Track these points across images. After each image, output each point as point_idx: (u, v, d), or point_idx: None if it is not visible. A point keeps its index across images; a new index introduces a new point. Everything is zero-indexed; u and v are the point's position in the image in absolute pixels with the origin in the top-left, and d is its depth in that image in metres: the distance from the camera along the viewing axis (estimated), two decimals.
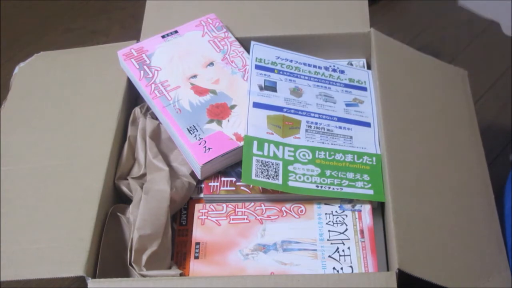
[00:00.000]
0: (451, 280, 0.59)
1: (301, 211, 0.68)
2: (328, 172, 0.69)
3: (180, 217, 0.71)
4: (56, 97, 0.78)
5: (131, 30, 1.20)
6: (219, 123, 0.72)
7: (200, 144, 0.69)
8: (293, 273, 0.63)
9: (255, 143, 0.69)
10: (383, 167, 0.68)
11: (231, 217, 0.68)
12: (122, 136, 0.75)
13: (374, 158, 0.71)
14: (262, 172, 0.67)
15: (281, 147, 0.70)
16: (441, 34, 1.24)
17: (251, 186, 0.70)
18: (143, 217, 0.65)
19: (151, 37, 0.81)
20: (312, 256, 0.65)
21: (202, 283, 0.58)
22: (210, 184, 0.71)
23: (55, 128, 0.74)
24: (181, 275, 0.64)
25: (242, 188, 0.70)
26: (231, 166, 0.72)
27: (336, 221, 0.68)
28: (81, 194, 0.66)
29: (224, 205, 0.70)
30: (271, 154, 0.69)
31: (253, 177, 0.66)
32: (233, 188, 0.70)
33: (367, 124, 0.75)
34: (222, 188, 0.70)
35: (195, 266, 0.65)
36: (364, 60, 0.84)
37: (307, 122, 0.73)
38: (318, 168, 0.69)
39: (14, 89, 0.80)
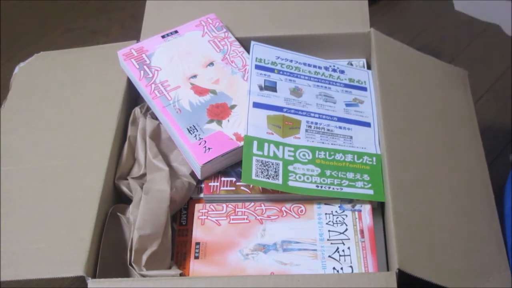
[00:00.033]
0: (451, 280, 0.59)
1: (301, 211, 0.68)
2: (328, 172, 0.69)
3: (180, 217, 0.71)
4: (56, 97, 0.78)
5: (131, 30, 1.20)
6: (219, 123, 0.72)
7: (200, 144, 0.69)
8: (293, 273, 0.63)
9: (255, 143, 0.69)
10: (383, 167, 0.68)
11: (231, 217, 0.68)
12: (122, 136, 0.75)
13: (374, 158, 0.71)
14: (262, 172, 0.67)
15: (281, 147, 0.70)
16: (441, 34, 1.24)
17: (251, 186, 0.70)
18: (143, 217, 0.65)
19: (151, 37, 0.81)
20: (312, 256, 0.65)
21: (202, 283, 0.58)
22: (210, 184, 0.71)
23: (55, 128, 0.74)
24: (181, 275, 0.64)
25: (242, 188, 0.70)
26: (231, 166, 0.72)
27: (336, 221, 0.68)
28: (81, 194, 0.66)
29: (224, 205, 0.70)
30: (271, 154, 0.69)
31: (253, 177, 0.66)
32: (233, 188, 0.70)
33: (367, 124, 0.75)
34: (222, 188, 0.70)
35: (195, 266, 0.65)
36: (364, 60, 0.84)
37: (307, 122, 0.73)
38: (318, 168, 0.69)
39: (14, 89, 0.80)
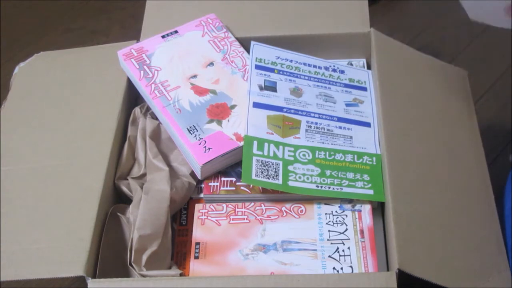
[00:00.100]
0: (451, 280, 0.59)
1: (301, 211, 0.68)
2: (328, 172, 0.69)
3: (180, 217, 0.71)
4: (56, 97, 0.78)
5: (131, 30, 1.20)
6: (219, 123, 0.72)
7: (200, 144, 0.69)
8: (293, 273, 0.63)
9: (255, 143, 0.69)
10: (383, 167, 0.68)
11: (231, 217, 0.68)
12: (122, 136, 0.75)
13: (374, 158, 0.71)
14: (262, 172, 0.67)
15: (281, 147, 0.70)
16: (441, 34, 1.24)
17: (251, 186, 0.70)
18: (143, 217, 0.65)
19: (151, 37, 0.81)
20: (312, 256, 0.65)
21: (202, 283, 0.58)
22: (210, 184, 0.71)
23: (55, 128, 0.74)
24: (181, 275, 0.64)
25: (242, 188, 0.70)
26: (231, 166, 0.72)
27: (336, 221, 0.68)
28: (81, 194, 0.66)
29: (224, 205, 0.70)
30: (271, 154, 0.69)
31: (253, 177, 0.66)
32: (233, 188, 0.70)
33: (367, 124, 0.75)
34: (222, 188, 0.70)
35: (195, 266, 0.65)
36: (364, 60, 0.84)
37: (307, 122, 0.73)
38: (318, 168, 0.69)
39: (14, 89, 0.80)
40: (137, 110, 0.77)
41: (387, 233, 0.65)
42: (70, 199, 0.66)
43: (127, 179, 0.72)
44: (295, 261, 0.64)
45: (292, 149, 0.70)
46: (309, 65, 0.80)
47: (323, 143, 0.72)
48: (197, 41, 0.80)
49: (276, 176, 0.67)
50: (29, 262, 0.61)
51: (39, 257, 0.61)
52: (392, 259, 0.60)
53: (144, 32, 0.84)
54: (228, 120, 0.72)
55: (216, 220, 0.68)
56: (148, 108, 0.78)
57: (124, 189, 0.71)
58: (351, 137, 0.73)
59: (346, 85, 0.79)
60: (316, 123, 0.74)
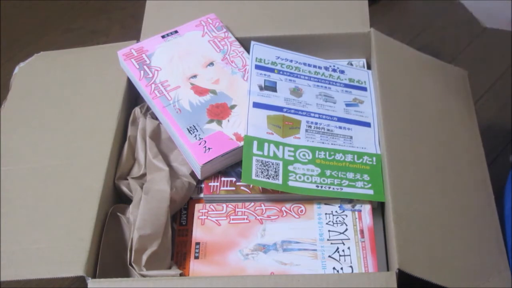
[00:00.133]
0: (451, 280, 0.59)
1: (301, 211, 0.68)
2: (328, 172, 0.69)
3: (180, 217, 0.71)
4: (56, 97, 0.78)
5: (131, 30, 1.20)
6: (219, 123, 0.72)
7: (200, 144, 0.69)
8: (293, 273, 0.63)
9: (255, 143, 0.69)
10: (383, 167, 0.68)
11: (231, 217, 0.68)
12: (122, 136, 0.75)
13: (374, 158, 0.71)
14: (262, 172, 0.67)
15: (281, 147, 0.70)
16: (441, 34, 1.24)
17: (251, 186, 0.70)
18: (143, 217, 0.65)
19: (151, 37, 0.81)
20: (312, 256, 0.65)
21: (202, 283, 0.58)
22: (210, 184, 0.71)
23: (55, 128, 0.74)
24: (181, 275, 0.64)
25: (242, 188, 0.70)
26: (231, 166, 0.72)
27: (336, 221, 0.68)
28: (81, 194, 0.66)
29: (224, 205, 0.70)
30: (271, 154, 0.69)
31: (253, 177, 0.66)
32: (233, 188, 0.70)
33: (367, 124, 0.75)
34: (222, 188, 0.70)
35: (195, 266, 0.65)
36: (364, 60, 0.84)
37: (307, 122, 0.73)
38: (318, 168, 0.69)
39: (14, 89, 0.80)
40: (137, 110, 0.77)
41: (387, 233, 0.65)
42: (70, 199, 0.66)
43: (127, 179, 0.72)
44: (295, 261, 0.64)
45: (292, 149, 0.70)
46: (309, 65, 0.80)
47: (323, 143, 0.72)
48: (197, 41, 0.80)
49: (276, 176, 0.67)
50: (29, 262, 0.61)
51: (39, 257, 0.61)
52: (392, 259, 0.60)
53: (144, 32, 0.84)
54: (228, 120, 0.72)
55: (216, 220, 0.68)
56: (148, 108, 0.78)
57: (124, 189, 0.71)
58: (351, 137, 0.73)
59: (346, 85, 0.79)
60: (316, 123, 0.74)
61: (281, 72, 0.78)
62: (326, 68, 0.80)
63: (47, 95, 0.79)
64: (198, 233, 0.68)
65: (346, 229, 0.67)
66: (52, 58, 0.84)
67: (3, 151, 0.72)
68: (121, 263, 0.64)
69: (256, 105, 0.73)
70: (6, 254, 0.62)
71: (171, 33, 0.81)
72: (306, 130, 0.73)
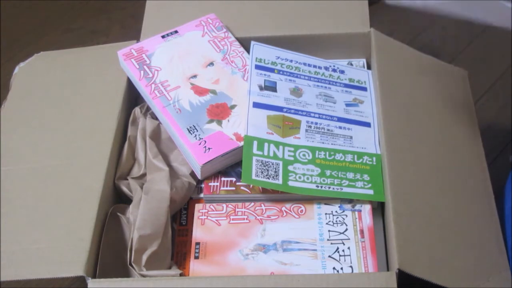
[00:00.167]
0: (451, 280, 0.59)
1: (301, 211, 0.68)
2: (328, 172, 0.69)
3: (180, 217, 0.71)
4: (56, 97, 0.78)
5: (131, 30, 1.20)
6: (219, 123, 0.72)
7: (200, 144, 0.69)
8: (293, 273, 0.63)
9: (255, 143, 0.69)
10: (383, 167, 0.68)
11: (231, 217, 0.68)
12: (122, 136, 0.75)
13: (374, 158, 0.71)
14: (262, 172, 0.67)
15: (281, 147, 0.70)
16: (441, 34, 1.24)
17: (251, 186, 0.70)
18: (143, 217, 0.65)
19: (151, 37, 0.81)
20: (312, 256, 0.65)
21: (202, 283, 0.58)
22: (210, 184, 0.71)
23: (55, 128, 0.74)
24: (181, 275, 0.64)
25: (242, 188, 0.70)
26: (231, 166, 0.72)
27: (336, 221, 0.68)
28: (81, 194, 0.66)
29: (224, 205, 0.70)
30: (271, 154, 0.69)
31: (253, 177, 0.66)
32: (233, 188, 0.70)
33: (367, 124, 0.75)
34: (222, 188, 0.70)
35: (195, 266, 0.65)
36: (364, 60, 0.84)
37: (307, 122, 0.73)
38: (318, 168, 0.69)
39: (14, 89, 0.80)
40: (137, 110, 0.77)
41: (387, 233, 0.65)
42: (70, 199, 0.66)
43: (127, 179, 0.72)
44: (295, 261, 0.64)
45: (292, 149, 0.70)
46: (309, 65, 0.80)
47: (323, 143, 0.72)
48: (197, 41, 0.80)
49: (276, 176, 0.67)
50: (29, 262, 0.61)
51: (39, 257, 0.61)
52: (392, 259, 0.60)
53: (144, 32, 0.84)
54: (228, 120, 0.72)
55: (216, 220, 0.68)
56: (148, 108, 0.78)
57: (124, 189, 0.71)
58: (351, 137, 0.73)
59: (346, 85, 0.79)
60: (316, 123, 0.74)
61: (281, 72, 0.78)
62: (326, 68, 0.80)
63: (47, 95, 0.79)
64: (198, 233, 0.68)
65: (346, 229, 0.67)
66: (52, 58, 0.84)
67: (3, 151, 0.72)
68: (121, 263, 0.64)
69: (256, 105, 0.73)
70: (6, 254, 0.62)
71: (171, 33, 0.81)
72: (306, 130, 0.73)
